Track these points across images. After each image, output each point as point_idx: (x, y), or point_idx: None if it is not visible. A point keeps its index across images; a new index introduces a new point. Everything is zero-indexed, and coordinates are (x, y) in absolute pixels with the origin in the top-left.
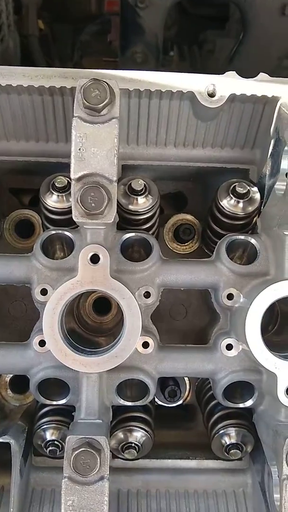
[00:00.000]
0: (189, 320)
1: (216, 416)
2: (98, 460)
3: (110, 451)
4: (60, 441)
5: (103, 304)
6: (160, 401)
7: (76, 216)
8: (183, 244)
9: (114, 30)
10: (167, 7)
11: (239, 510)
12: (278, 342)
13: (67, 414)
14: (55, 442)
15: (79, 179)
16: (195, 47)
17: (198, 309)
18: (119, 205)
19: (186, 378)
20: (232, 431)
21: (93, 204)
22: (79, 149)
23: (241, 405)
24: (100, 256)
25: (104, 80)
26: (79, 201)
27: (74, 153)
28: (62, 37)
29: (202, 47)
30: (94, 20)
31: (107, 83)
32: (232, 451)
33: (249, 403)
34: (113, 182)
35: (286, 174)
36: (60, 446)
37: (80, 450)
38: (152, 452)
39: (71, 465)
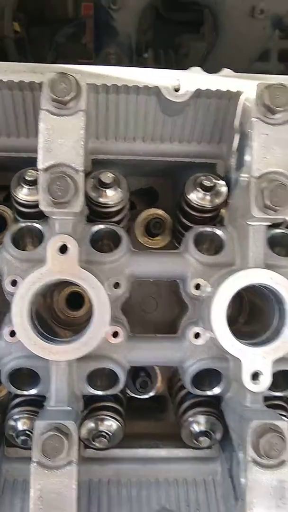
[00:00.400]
0: (159, 312)
1: (185, 404)
2: (67, 444)
3: (82, 440)
4: (32, 431)
5: (77, 299)
6: (132, 392)
7: (43, 206)
8: (154, 238)
9: (89, 32)
10: (140, 10)
11: (209, 498)
12: (247, 332)
13: (38, 405)
14: (27, 432)
15: (46, 169)
16: (171, 51)
17: (169, 302)
18: (89, 198)
19: (157, 370)
20: (201, 419)
21: (59, 193)
22: (47, 140)
23: (209, 393)
24: (69, 246)
25: (70, 74)
26: (46, 190)
27: (41, 144)
28: (38, 40)
29: (178, 51)
30: (70, 23)
31: (73, 77)
32: (201, 438)
33: (217, 390)
34: (80, 172)
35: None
36: (32, 436)
37: (48, 434)
38: (124, 441)
39: (40, 450)
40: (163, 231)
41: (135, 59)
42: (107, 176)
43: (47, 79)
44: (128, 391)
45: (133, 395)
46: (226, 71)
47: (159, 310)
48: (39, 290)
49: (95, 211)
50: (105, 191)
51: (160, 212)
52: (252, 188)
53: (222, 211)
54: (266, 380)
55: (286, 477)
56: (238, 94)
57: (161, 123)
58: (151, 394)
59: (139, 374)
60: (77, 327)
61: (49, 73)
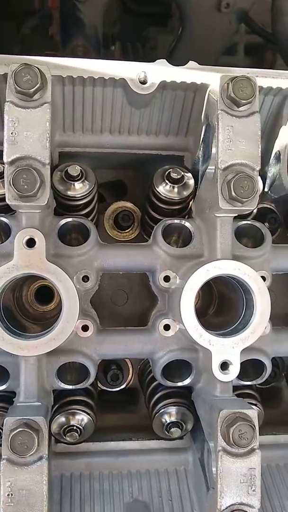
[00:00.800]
0: (130, 305)
1: (156, 396)
2: (36, 440)
3: (53, 435)
4: (2, 427)
5: (46, 293)
6: (103, 385)
7: (9, 199)
8: (123, 231)
9: (55, 24)
10: (107, 2)
11: (181, 487)
12: (217, 323)
13: (8, 401)
14: None
15: (12, 162)
16: (138, 44)
17: (139, 294)
18: (56, 191)
19: (129, 362)
20: (172, 410)
21: (25, 186)
22: (12, 133)
23: (179, 384)
24: (36, 239)
25: (35, 65)
26: (11, 183)
27: (7, 137)
28: (4, 32)
29: (145, 45)
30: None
31: (38, 68)
32: (172, 429)
33: (187, 381)
34: (46, 165)
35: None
36: (2, 432)
37: (17, 430)
38: (95, 435)
39: (9, 446)
40: (132, 224)
41: (103, 52)
42: (75, 169)
43: (10, 70)
44: (99, 384)
45: (105, 388)
46: (191, 63)
47: (129, 303)
48: (6, 285)
49: (63, 204)
50: (72, 184)
51: (129, 205)
52: (219, 180)
53: (191, 203)
54: (235, 370)
55: (256, 465)
56: (203, 86)
57: (128, 116)
58: (123, 386)
59: (110, 367)
60: (47, 322)
61: (13, 65)
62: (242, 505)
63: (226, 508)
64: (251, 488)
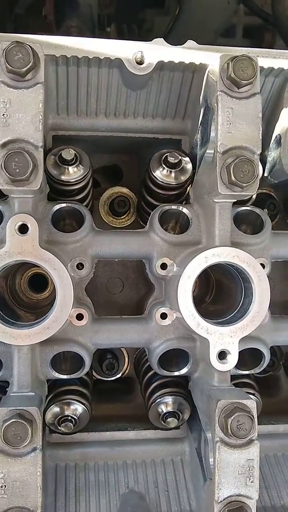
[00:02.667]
0: (126, 293)
1: (153, 385)
2: (30, 431)
3: (47, 425)
4: None
5: (39, 281)
6: (98, 375)
7: (1, 184)
8: (119, 218)
9: (49, 4)
10: None
11: (177, 478)
12: (214, 311)
13: (1, 391)
14: None
15: (3, 145)
16: (134, 26)
17: (135, 282)
18: (50, 175)
19: (124, 351)
20: (168, 399)
21: (17, 170)
22: (3, 114)
23: (176, 373)
24: (29, 225)
25: (27, 43)
26: (3, 167)
27: None
28: None
29: (141, 26)
30: None
31: (30, 47)
32: (169, 419)
33: (184, 370)
34: (39, 148)
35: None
36: None
37: (10, 421)
38: (90, 425)
39: (2, 437)
40: (128, 210)
41: (98, 33)
42: (69, 153)
43: (1, 48)
44: (94, 374)
45: (100, 377)
46: (190, 42)
47: (125, 291)
48: None
49: (56, 189)
50: (66, 168)
51: (124, 190)
52: (218, 164)
53: (188, 189)
54: (233, 359)
55: (254, 456)
56: (202, 67)
57: (124, 98)
58: (118, 376)
59: (106, 356)
60: (41, 310)
61: (4, 43)
62: (240, 497)
63: (224, 499)
64: (249, 479)
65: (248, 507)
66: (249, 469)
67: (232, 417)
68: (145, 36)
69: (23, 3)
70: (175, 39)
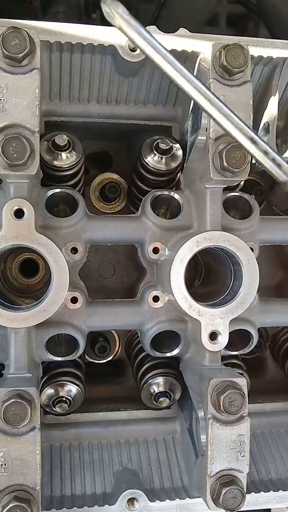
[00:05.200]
0: (117, 277)
1: (145, 367)
2: (29, 410)
3: (42, 407)
4: None
5: (30, 266)
6: (91, 358)
7: None
8: (109, 203)
9: None
10: None
11: (169, 455)
12: (204, 293)
13: None
14: None
15: (0, 130)
16: None
17: (126, 267)
18: (43, 161)
19: (115, 335)
20: (160, 380)
21: (15, 155)
22: (0, 99)
23: (168, 354)
24: (25, 210)
25: (23, 29)
26: (1, 152)
27: None
28: None
29: None
30: None
31: (26, 32)
32: (160, 399)
33: (175, 351)
34: (35, 134)
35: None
36: None
37: (10, 401)
38: (83, 406)
39: (2, 417)
40: (119, 195)
41: (84, 20)
42: (62, 138)
43: None
44: (87, 357)
45: (92, 360)
46: (181, 30)
47: (116, 275)
48: None
49: (49, 175)
50: (60, 153)
51: (115, 176)
52: (210, 150)
53: (179, 175)
54: (224, 339)
55: (245, 432)
56: (194, 55)
57: (117, 85)
58: (110, 358)
59: (98, 339)
60: (33, 294)
61: (0, 28)
62: (231, 470)
63: (216, 473)
64: (241, 454)
65: (239, 480)
66: (240, 444)
67: (224, 395)
68: None
69: None
70: (161, 28)
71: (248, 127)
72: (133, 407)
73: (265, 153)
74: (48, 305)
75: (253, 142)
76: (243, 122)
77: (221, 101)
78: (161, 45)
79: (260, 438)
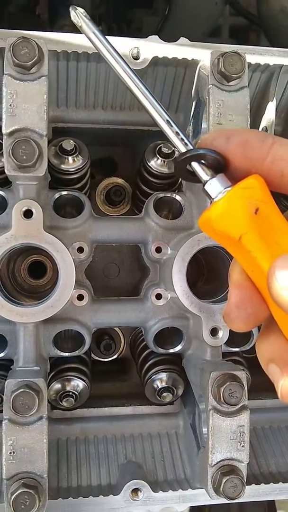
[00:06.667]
0: (122, 278)
1: (148, 363)
2: (37, 400)
3: (49, 402)
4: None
5: (38, 268)
6: (96, 355)
7: (8, 170)
8: (114, 207)
9: (43, 3)
10: None
11: (172, 449)
12: (206, 292)
13: (5, 369)
14: None
15: (10, 133)
16: (124, 26)
17: (130, 267)
18: (51, 165)
19: (120, 333)
20: (163, 376)
21: (24, 157)
22: (10, 105)
23: (171, 351)
24: (33, 210)
25: (32, 39)
26: (10, 154)
27: (5, 109)
28: None
29: (130, 25)
30: None
31: (35, 42)
32: (164, 394)
33: (178, 347)
34: (44, 137)
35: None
36: (0, 398)
37: (19, 391)
38: (89, 402)
39: (11, 407)
40: (123, 199)
41: None
42: (69, 143)
43: (8, 43)
44: (93, 355)
45: (98, 358)
46: (182, 40)
47: (121, 275)
48: (5, 255)
49: (56, 178)
50: (66, 158)
51: (119, 180)
52: None
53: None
54: (224, 335)
55: (245, 422)
56: (194, 62)
57: (121, 92)
58: (115, 356)
59: (103, 337)
60: (40, 294)
61: (11, 38)
62: (231, 460)
63: (217, 463)
64: (240, 444)
65: (239, 470)
66: (240, 435)
67: (224, 386)
68: (134, 35)
69: (16, 3)
70: (165, 38)
71: (165, 112)
72: (138, 403)
73: (177, 133)
74: (55, 301)
75: (169, 124)
76: (160, 105)
77: (150, 93)
78: (110, 45)
79: (260, 433)
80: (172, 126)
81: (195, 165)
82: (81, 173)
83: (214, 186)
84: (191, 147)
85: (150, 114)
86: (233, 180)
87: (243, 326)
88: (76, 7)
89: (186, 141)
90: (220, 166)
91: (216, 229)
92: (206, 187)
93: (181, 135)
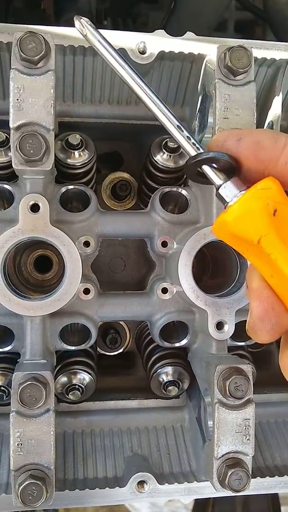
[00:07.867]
0: (128, 272)
1: (154, 357)
2: (44, 393)
3: (56, 395)
4: (7, 386)
5: (44, 262)
6: (102, 349)
7: (15, 164)
8: (120, 201)
9: None
10: None
11: (177, 442)
12: (212, 286)
13: (12, 362)
14: (2, 387)
15: (17, 128)
16: (129, 20)
17: (136, 262)
18: (57, 159)
19: (126, 327)
20: (169, 369)
21: (31, 151)
22: (17, 99)
23: (177, 344)
24: (40, 204)
25: (39, 33)
26: (18, 148)
27: (12, 104)
28: None
29: (136, 20)
30: None
31: (42, 36)
32: (170, 387)
33: (184, 341)
34: (50, 131)
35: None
36: (7, 391)
37: (26, 384)
38: (95, 395)
39: (18, 399)
40: (129, 193)
41: (96, 26)
42: (75, 138)
43: (15, 38)
44: (99, 349)
45: (104, 352)
46: (189, 34)
47: (127, 270)
48: (12, 249)
49: (63, 173)
50: (73, 152)
51: (125, 175)
52: None
53: None
54: (230, 329)
55: (250, 416)
56: (200, 57)
57: (127, 86)
58: (121, 350)
59: (109, 332)
60: (46, 288)
61: (18, 32)
62: (237, 453)
63: (222, 456)
64: (246, 437)
65: (245, 463)
66: (245, 428)
67: (230, 379)
68: (140, 30)
69: None
70: (170, 33)
71: (176, 118)
72: (143, 397)
73: (188, 138)
74: (62, 295)
75: (179, 129)
76: (171, 112)
77: (155, 94)
78: (118, 53)
79: (266, 427)
80: (183, 131)
81: (206, 168)
82: (87, 168)
83: (229, 189)
84: (202, 150)
85: (160, 120)
86: (245, 182)
87: (268, 337)
88: (80, 16)
89: (197, 145)
90: (232, 168)
91: (234, 233)
92: (220, 191)
93: (192, 140)
